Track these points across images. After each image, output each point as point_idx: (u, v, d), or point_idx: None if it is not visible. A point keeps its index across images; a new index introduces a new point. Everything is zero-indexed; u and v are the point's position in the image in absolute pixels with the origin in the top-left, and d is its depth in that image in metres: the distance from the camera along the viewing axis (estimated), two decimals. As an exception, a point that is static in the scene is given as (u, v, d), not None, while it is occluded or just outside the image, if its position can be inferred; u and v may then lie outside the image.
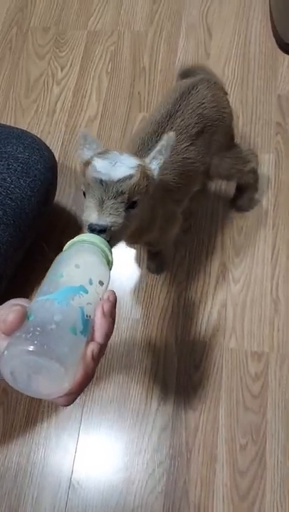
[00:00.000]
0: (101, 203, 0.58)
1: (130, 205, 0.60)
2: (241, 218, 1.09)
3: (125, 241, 0.84)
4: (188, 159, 0.80)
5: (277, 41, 1.29)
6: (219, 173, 0.92)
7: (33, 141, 0.90)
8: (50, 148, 1.19)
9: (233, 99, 1.22)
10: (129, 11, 1.34)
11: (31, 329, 0.40)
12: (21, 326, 0.41)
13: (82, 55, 1.28)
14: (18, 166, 0.85)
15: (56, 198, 1.03)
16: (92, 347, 0.43)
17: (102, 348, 0.44)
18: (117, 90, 1.24)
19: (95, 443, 0.91)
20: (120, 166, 0.60)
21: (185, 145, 0.79)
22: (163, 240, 0.90)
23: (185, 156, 0.79)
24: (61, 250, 0.51)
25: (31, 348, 0.39)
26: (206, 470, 0.87)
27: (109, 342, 1.00)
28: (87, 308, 0.45)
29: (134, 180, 0.59)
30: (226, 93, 0.88)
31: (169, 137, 0.64)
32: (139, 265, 1.06)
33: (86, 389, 0.99)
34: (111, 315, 0.45)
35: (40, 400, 0.94)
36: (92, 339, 0.44)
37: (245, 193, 1.06)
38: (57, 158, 1.15)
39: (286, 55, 1.27)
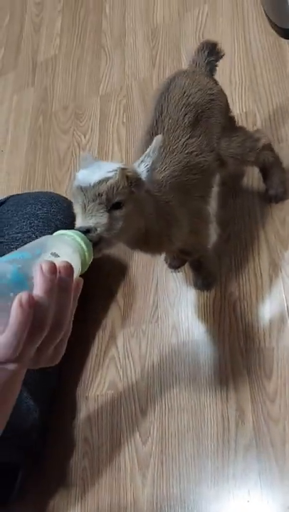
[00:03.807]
0: (84, 208, 0.60)
1: (114, 206, 0.61)
2: (282, 210, 1.01)
3: (149, 250, 0.82)
4: (192, 153, 0.79)
5: (277, 32, 1.25)
6: (232, 154, 0.87)
7: (50, 197, 0.97)
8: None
9: (246, 101, 1.18)
10: (132, 64, 1.41)
11: None
12: None
13: (100, 117, 1.37)
14: (39, 221, 0.91)
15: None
16: (21, 294, 0.40)
17: (42, 301, 0.41)
18: (135, 135, 1.29)
19: (180, 475, 0.85)
20: (98, 172, 0.61)
21: (183, 140, 0.78)
22: (198, 242, 0.87)
23: (188, 150, 0.78)
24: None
25: None
26: (303, 487, 0.76)
27: (172, 371, 0.96)
28: (25, 267, 0.43)
29: (112, 181, 0.60)
30: (210, 76, 0.87)
31: (156, 140, 0.65)
32: (189, 290, 1.03)
33: (160, 422, 0.95)
34: (51, 272, 0.42)
35: (120, 442, 0.93)
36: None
37: (273, 178, 0.98)
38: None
39: (290, 40, 1.22)
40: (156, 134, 0.78)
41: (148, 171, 0.65)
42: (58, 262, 0.44)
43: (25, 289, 0.42)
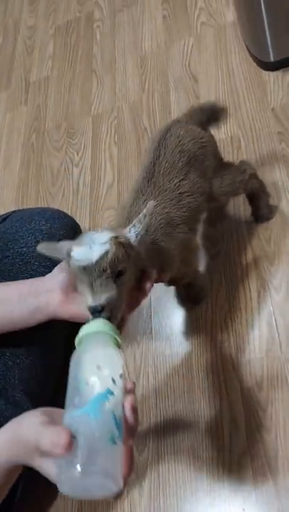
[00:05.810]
0: (91, 286, 0.58)
1: (117, 274, 0.59)
2: (266, 229, 1.00)
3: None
4: (184, 193, 0.79)
5: (257, 64, 1.25)
6: (225, 191, 0.88)
7: (52, 213, 0.94)
8: (81, 218, 1.21)
9: (231, 127, 1.18)
10: (123, 88, 1.39)
11: (78, 452, 0.43)
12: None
13: (92, 136, 1.33)
14: (44, 236, 0.88)
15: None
16: (130, 443, 0.46)
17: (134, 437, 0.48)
18: (126, 154, 1.26)
19: (176, 485, 0.81)
20: (95, 247, 0.59)
21: (176, 181, 0.78)
22: (188, 269, 0.86)
23: (180, 191, 0.78)
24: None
25: (79, 469, 0.42)
26: (297, 495, 0.73)
27: (167, 382, 0.93)
28: (117, 410, 0.46)
29: (111, 254, 0.58)
30: (201, 127, 0.87)
31: (148, 207, 0.63)
32: (178, 305, 0.99)
33: (156, 432, 0.90)
34: (135, 416, 0.48)
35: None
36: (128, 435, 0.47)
37: (260, 201, 0.99)
38: (87, 227, 1.17)
39: (270, 72, 1.22)
40: (152, 176, 0.77)
41: (136, 236, 0.62)
42: (126, 385, 0.49)
43: (120, 429, 0.45)
